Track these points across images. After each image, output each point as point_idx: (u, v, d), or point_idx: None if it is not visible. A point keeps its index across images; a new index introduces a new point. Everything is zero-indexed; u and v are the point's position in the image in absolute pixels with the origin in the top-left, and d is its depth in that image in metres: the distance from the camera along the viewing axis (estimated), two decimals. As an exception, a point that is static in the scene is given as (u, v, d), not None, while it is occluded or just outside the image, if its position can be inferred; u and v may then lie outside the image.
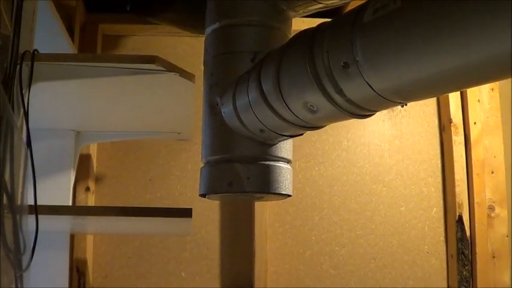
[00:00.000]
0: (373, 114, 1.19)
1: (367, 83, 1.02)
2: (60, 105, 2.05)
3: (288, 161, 1.58)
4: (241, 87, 1.44)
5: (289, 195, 1.58)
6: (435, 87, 0.95)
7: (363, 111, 1.15)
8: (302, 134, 1.48)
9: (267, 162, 1.52)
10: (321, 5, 1.47)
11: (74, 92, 1.89)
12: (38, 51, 1.55)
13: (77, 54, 2.46)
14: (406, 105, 1.09)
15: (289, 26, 1.61)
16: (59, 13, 2.15)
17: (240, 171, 1.50)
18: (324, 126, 1.38)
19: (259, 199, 1.68)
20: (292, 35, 1.37)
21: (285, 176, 1.54)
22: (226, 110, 1.51)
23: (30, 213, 1.47)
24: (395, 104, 1.07)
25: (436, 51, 0.85)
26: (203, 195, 1.61)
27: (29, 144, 1.48)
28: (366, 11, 0.99)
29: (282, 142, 1.55)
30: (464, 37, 0.80)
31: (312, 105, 1.20)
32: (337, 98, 1.12)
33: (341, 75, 1.07)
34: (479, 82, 0.95)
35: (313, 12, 1.58)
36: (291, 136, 1.49)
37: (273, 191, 1.51)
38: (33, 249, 1.43)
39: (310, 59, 1.14)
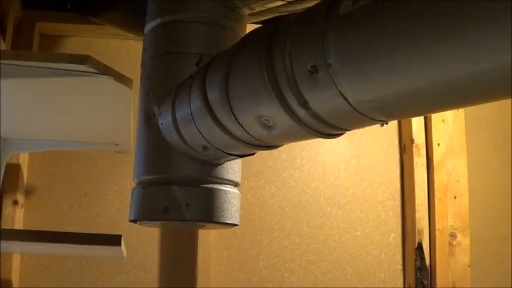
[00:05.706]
0: (343, 134, 0.98)
1: (341, 94, 0.82)
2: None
3: (235, 184, 1.45)
4: (183, 95, 1.28)
5: (236, 225, 1.44)
6: (433, 102, 0.74)
7: (331, 130, 0.96)
8: (253, 154, 1.32)
9: (211, 185, 1.37)
10: (282, 2, 1.27)
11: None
12: None
13: (-6, 50, 2.25)
14: (386, 123, 0.88)
15: (243, 27, 1.49)
16: (-15, 5, 1.99)
17: (178, 195, 1.34)
18: (280, 145, 1.21)
19: (201, 227, 1.55)
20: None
21: (232, 202, 1.41)
22: (164, 121, 1.36)
23: None
24: (375, 121, 0.87)
25: (439, 54, 0.64)
26: (133, 221, 1.46)
27: None
28: (343, 0, 0.78)
29: (229, 162, 1.40)
30: (478, 35, 0.59)
31: (267, 120, 1.02)
32: (299, 111, 0.93)
33: (307, 83, 0.88)
34: (487, 98, 0.73)
35: (273, 12, 1.46)
36: (240, 156, 1.33)
37: (217, 220, 1.37)
38: None
39: (268, 61, 0.94)
